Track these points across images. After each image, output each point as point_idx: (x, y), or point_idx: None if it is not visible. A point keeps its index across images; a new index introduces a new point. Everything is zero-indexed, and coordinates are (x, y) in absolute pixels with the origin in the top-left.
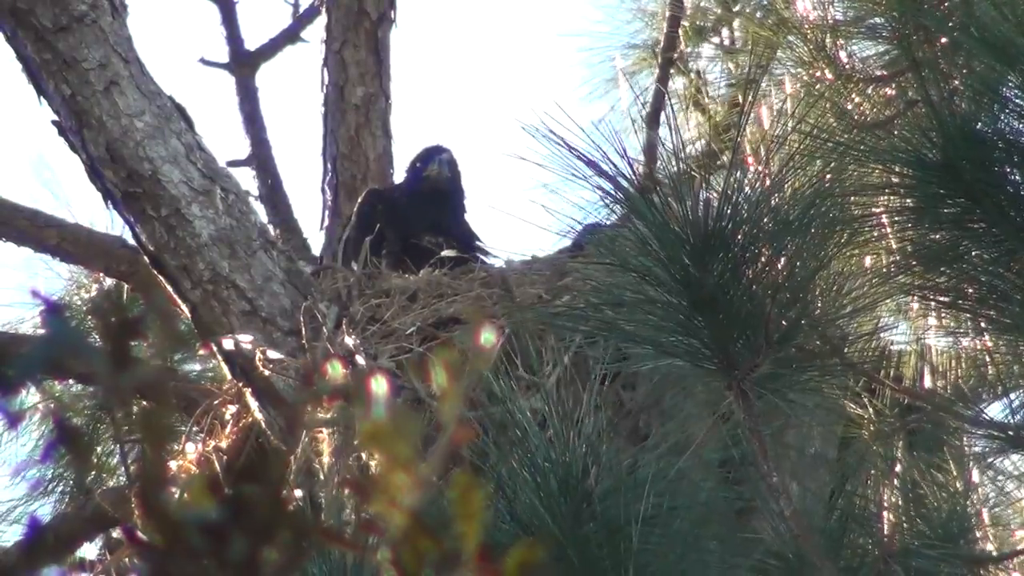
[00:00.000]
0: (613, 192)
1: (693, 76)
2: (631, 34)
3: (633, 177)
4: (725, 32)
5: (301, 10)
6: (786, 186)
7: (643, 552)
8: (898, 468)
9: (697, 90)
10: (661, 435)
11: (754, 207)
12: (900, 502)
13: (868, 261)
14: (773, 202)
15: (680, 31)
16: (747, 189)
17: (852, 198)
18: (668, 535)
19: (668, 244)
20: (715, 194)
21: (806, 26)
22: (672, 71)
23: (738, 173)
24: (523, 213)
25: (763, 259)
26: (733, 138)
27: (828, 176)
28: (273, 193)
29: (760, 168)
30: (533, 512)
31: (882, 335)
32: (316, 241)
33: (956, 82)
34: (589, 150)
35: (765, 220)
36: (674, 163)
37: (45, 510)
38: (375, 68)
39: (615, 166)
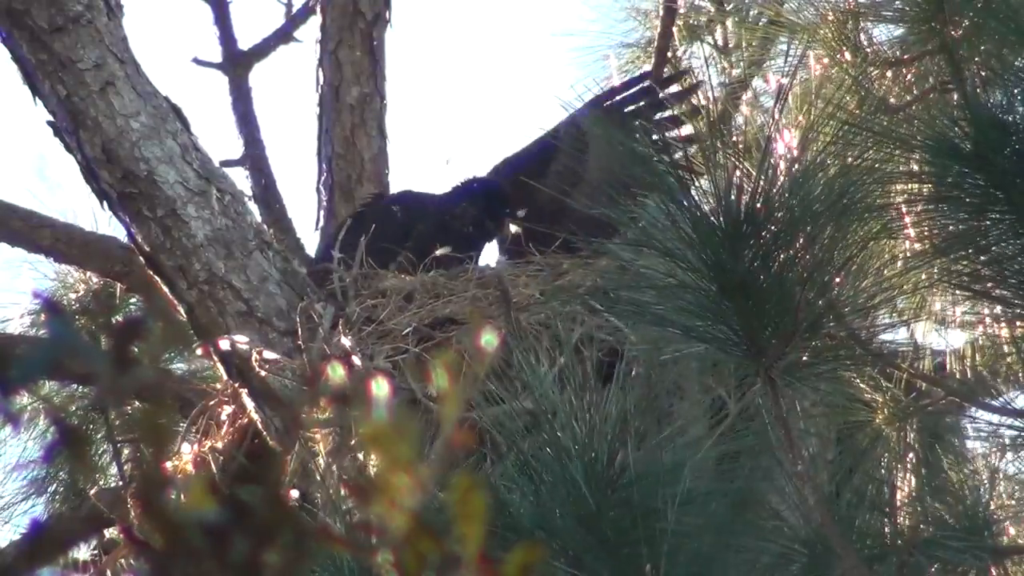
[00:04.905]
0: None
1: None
2: (624, 33)
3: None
4: (719, 32)
5: (294, 10)
6: (819, 173)
7: (673, 535)
8: (914, 458)
9: (691, 89)
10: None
11: (786, 193)
12: (916, 491)
13: (899, 249)
14: (805, 189)
15: (675, 30)
16: (780, 175)
17: (884, 186)
18: (702, 516)
19: (699, 228)
20: (747, 180)
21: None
22: (666, 69)
23: (771, 159)
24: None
25: (795, 246)
26: (768, 124)
27: (859, 163)
28: (267, 193)
29: (792, 155)
30: (558, 497)
31: (908, 325)
32: (311, 241)
33: (980, 69)
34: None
35: (797, 207)
36: (707, 148)
37: (38, 510)
38: (370, 68)
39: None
